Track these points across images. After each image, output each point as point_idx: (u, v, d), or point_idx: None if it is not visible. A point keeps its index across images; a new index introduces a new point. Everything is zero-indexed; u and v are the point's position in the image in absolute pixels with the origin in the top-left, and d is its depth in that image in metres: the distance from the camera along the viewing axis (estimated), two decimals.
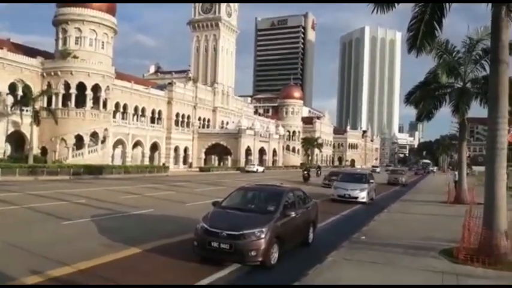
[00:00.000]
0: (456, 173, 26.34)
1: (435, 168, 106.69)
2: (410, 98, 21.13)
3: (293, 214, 9.23)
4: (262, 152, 79.99)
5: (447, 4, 9.24)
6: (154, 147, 63.65)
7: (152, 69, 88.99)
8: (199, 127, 72.39)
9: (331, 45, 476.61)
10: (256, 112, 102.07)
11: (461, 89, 20.33)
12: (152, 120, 63.00)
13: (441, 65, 19.13)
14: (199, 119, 73.41)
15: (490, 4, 8.57)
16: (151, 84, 67.88)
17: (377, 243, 10.18)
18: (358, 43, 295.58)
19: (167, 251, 9.27)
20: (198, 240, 8.34)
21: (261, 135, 78.19)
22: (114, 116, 53.70)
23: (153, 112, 62.79)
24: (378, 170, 76.50)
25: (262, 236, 8.00)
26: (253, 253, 7.87)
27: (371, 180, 23.64)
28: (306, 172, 39.21)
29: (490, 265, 7.98)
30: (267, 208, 9.24)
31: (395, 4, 9.30)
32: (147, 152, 61.32)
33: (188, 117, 70.16)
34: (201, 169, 60.90)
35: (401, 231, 12.22)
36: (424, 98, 20.68)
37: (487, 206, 8.77)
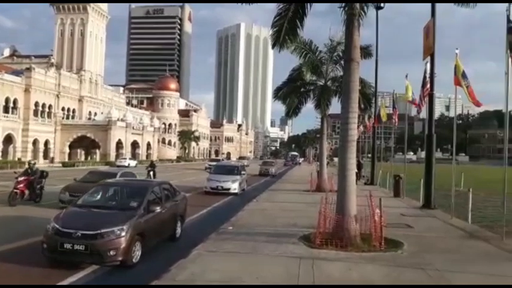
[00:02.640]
0: (318, 163, 28.56)
1: (302, 159, 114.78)
2: (278, 94, 22.23)
3: (159, 209, 8.90)
4: (135, 145, 76.76)
5: (308, 5, 9.78)
6: (9, 140, 56.47)
7: (7, 52, 78.73)
8: (63, 118, 66.27)
9: (208, 39, 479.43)
10: (129, 103, 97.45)
11: (323, 87, 22.00)
12: (6, 110, 55.67)
13: (306, 63, 20.42)
14: (63, 109, 67.26)
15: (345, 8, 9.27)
16: (5, 69, 59.92)
17: (243, 233, 10.40)
18: (234, 39, 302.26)
19: (12, 257, 8.16)
20: (47, 242, 7.50)
21: (133, 127, 74.94)
22: None
23: (6, 100, 55.49)
24: (245, 162, 75.92)
25: (123, 234, 7.52)
26: (112, 252, 7.35)
27: (243, 172, 24.35)
28: (150, 169, 28.75)
29: (342, 247, 8.70)
30: (130, 204, 8.74)
31: None
32: None
33: (50, 107, 63.78)
34: (65, 164, 55.70)
35: (267, 220, 12.71)
36: (290, 93, 21.93)
37: (339, 193, 9.56)
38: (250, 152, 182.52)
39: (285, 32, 9.65)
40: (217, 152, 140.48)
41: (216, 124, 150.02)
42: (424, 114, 21.95)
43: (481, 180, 30.51)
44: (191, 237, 10.35)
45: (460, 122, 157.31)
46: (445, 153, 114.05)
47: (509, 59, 9.39)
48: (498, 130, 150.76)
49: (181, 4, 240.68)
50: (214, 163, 44.36)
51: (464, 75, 12.08)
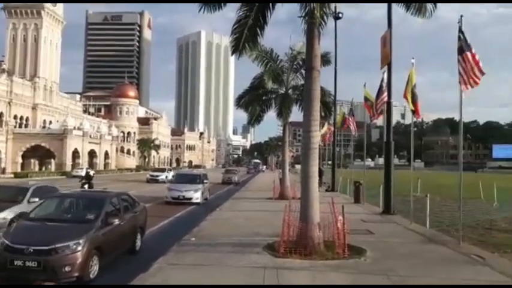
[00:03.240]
0: (281, 170, 28.69)
1: (264, 167, 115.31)
2: (240, 102, 22.20)
3: (117, 221, 8.55)
4: (92, 154, 74.35)
5: (269, 13, 9.80)
6: None
7: None
8: (15, 126, 63.27)
9: (169, 46, 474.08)
10: (86, 111, 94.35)
11: (284, 95, 22.17)
12: None
13: (267, 72, 20.51)
14: (16, 117, 64.22)
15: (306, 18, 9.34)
16: None
17: (206, 244, 10.18)
18: (194, 46, 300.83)
19: None
20: None
21: (91, 136, 72.61)
22: None
23: None
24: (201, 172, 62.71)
25: (79, 248, 7.15)
26: (67, 269, 6.96)
27: (205, 181, 24.02)
28: (84, 181, 24.36)
29: (306, 256, 8.68)
30: (86, 217, 8.34)
31: (222, 6, 9.50)
32: None
33: (1, 115, 60.74)
34: (17, 175, 53.02)
35: (231, 230, 12.53)
36: (252, 102, 21.96)
37: (302, 200, 9.56)
38: (212, 160, 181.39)
39: (245, 39, 9.61)
40: (178, 161, 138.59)
41: (177, 132, 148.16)
42: (380, 122, 22.54)
43: (436, 185, 31.67)
44: (152, 250, 10.02)
45: (415, 129, 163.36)
46: (401, 160, 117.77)
47: (461, 69, 9.74)
48: (450, 137, 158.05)
49: (140, 11, 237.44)
50: (156, 174, 44.61)
51: (413, 87, 12.61)
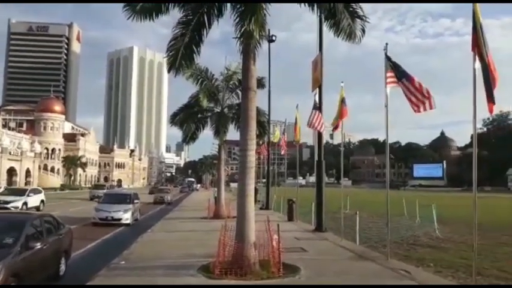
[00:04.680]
0: (216, 189, 28.46)
1: (199, 185, 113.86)
2: (174, 119, 21.86)
3: (39, 245, 7.90)
4: (12, 172, 68.91)
5: (205, 32, 9.82)
6: None
7: None
8: None
9: (99, 61, 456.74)
10: (6, 125, 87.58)
11: (220, 113, 22.21)
12: None
13: (202, 90, 20.46)
14: None
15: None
16: None
17: (138, 267, 9.73)
18: (126, 62, 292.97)
19: None
20: None
21: (10, 152, 67.43)
22: None
23: None
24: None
25: None
26: None
27: (136, 201, 23.14)
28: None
29: (241, 276, 8.57)
30: (4, 241, 7.61)
31: (155, 17, 9.46)
32: None
33: None
34: None
35: (164, 251, 12.10)
36: (187, 119, 21.71)
37: (238, 219, 9.50)
38: (143, 178, 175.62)
39: (182, 57, 9.53)
40: (106, 179, 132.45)
41: (106, 149, 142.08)
42: (311, 141, 23.26)
43: (363, 202, 33.16)
44: (77, 275, 9.40)
45: (344, 149, 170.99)
46: (330, 178, 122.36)
47: (387, 93, 10.34)
48: (375, 156, 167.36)
49: (69, 23, 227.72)
50: (102, 191, 40.73)
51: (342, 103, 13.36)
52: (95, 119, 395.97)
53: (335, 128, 13.98)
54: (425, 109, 9.27)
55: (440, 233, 16.74)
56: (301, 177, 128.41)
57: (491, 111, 7.01)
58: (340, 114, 13.50)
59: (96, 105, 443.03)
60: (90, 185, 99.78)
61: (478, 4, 7.18)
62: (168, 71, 9.74)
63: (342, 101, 13.49)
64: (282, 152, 25.14)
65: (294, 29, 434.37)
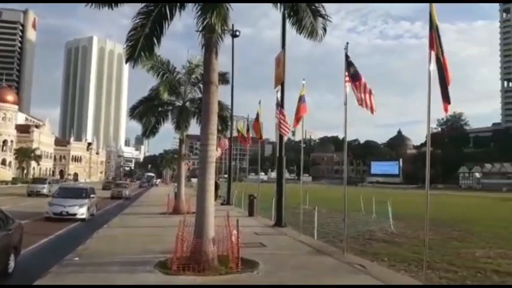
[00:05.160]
0: (176, 184, 28.10)
1: (159, 180, 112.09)
2: (134, 112, 21.36)
3: None
4: None
5: (166, 23, 9.61)
6: None
7: None
8: None
9: (57, 50, 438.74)
10: None
11: (182, 107, 21.90)
12: None
13: (163, 83, 20.08)
14: None
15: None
16: None
17: (92, 263, 9.44)
18: (85, 52, 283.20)
19: None
20: None
21: None
22: None
23: None
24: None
25: None
26: None
27: (92, 195, 22.48)
28: None
29: (199, 272, 8.50)
30: None
31: (114, 6, 9.17)
32: None
33: None
34: None
35: (121, 247, 11.82)
36: (147, 113, 21.27)
37: (197, 214, 9.41)
38: (101, 172, 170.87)
39: (141, 47, 9.28)
40: (62, 173, 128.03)
41: (62, 142, 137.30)
42: (273, 138, 23.44)
43: (322, 198, 33.79)
44: (28, 272, 9.02)
45: (304, 145, 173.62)
46: (291, 174, 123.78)
47: (347, 92, 10.57)
48: (335, 153, 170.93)
49: (24, 9, 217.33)
50: (42, 186, 39.37)
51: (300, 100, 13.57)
52: (51, 111, 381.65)
53: (295, 124, 14.15)
54: (367, 108, 9.87)
55: (395, 228, 17.31)
56: (263, 173, 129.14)
57: (446, 110, 7.29)
58: (299, 111, 13.65)
59: (52, 96, 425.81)
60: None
61: (434, 5, 7.43)
62: (126, 62, 9.48)
63: (301, 99, 13.62)
64: (249, 144, 25.05)
65: (261, 25, 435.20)
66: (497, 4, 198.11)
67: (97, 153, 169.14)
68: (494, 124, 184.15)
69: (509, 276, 9.30)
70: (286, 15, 10.81)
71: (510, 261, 11.10)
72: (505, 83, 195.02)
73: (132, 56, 9.35)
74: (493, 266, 10.34)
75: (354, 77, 10.08)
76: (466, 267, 10.12)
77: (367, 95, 9.79)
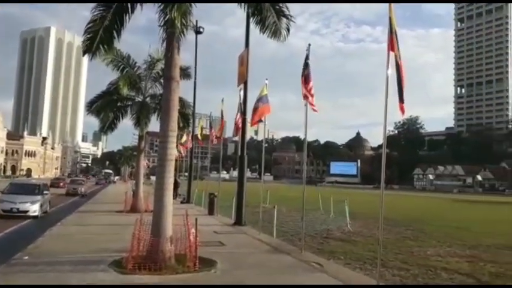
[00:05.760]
0: (135, 182, 27.51)
1: (117, 177, 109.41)
2: (92, 107, 20.71)
3: None
4: None
5: (127, 17, 9.37)
6: None
7: None
8: None
9: (12, 40, 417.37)
10: None
11: (142, 103, 21.45)
12: None
13: (123, 78, 19.59)
14: None
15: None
16: None
17: (43, 263, 9.05)
18: (42, 42, 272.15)
19: None
20: None
21: None
22: None
23: None
24: None
25: None
26: None
27: (45, 192, 21.59)
28: None
29: (156, 271, 8.35)
30: None
31: None
32: None
33: None
34: None
35: (74, 246, 11.42)
36: (106, 107, 20.67)
37: (155, 213, 9.24)
38: (56, 168, 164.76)
39: (100, 40, 9.00)
40: (14, 168, 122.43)
41: (14, 136, 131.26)
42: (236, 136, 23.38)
43: (283, 197, 34.14)
44: None
45: (266, 145, 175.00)
46: (253, 173, 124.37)
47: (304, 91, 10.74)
48: (296, 153, 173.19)
49: None
50: None
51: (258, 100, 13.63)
52: (3, 102, 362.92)
53: (254, 123, 14.18)
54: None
55: (351, 227, 17.72)
56: (225, 172, 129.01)
57: (402, 110, 7.51)
58: (262, 111, 13.67)
59: (5, 88, 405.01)
60: None
61: (393, 9, 7.64)
62: (84, 54, 9.16)
63: (260, 99, 13.61)
64: (215, 141, 24.73)
65: (226, 23, 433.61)
66: (453, 13, 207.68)
67: (52, 149, 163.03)
68: (447, 128, 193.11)
69: (457, 273, 9.72)
70: (250, 14, 10.80)
71: (459, 259, 11.61)
72: (458, 89, 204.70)
73: (90, 49, 9.05)
74: (443, 264, 10.78)
75: (306, 78, 10.50)
76: (418, 265, 10.49)
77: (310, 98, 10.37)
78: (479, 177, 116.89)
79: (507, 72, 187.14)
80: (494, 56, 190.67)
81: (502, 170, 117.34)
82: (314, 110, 10.63)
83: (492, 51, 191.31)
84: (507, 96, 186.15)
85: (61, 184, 49.44)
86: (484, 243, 14.77)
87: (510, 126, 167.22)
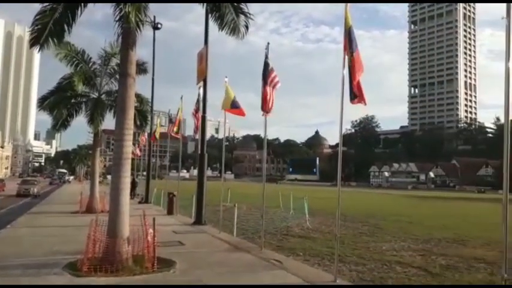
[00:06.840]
0: (90, 181, 26.64)
1: (72, 177, 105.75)
2: (44, 103, 19.84)
3: None
4: None
5: (80, 11, 9.04)
6: None
7: None
8: None
9: None
10: None
11: (97, 100, 20.80)
12: None
13: (77, 73, 18.94)
14: None
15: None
16: None
17: None
18: None
19: None
20: None
21: None
22: None
23: None
24: None
25: None
26: None
27: None
28: None
29: (112, 273, 8.13)
30: None
31: None
32: None
33: None
34: None
35: (25, 249, 10.91)
36: (59, 104, 19.87)
37: (111, 213, 8.98)
38: (6, 168, 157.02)
39: (49, 33, 8.62)
40: None
41: None
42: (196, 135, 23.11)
43: (244, 195, 34.17)
44: None
45: (227, 143, 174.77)
46: (214, 171, 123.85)
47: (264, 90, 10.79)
48: (257, 152, 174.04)
49: None
50: None
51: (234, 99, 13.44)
52: None
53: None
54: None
55: (310, 224, 17.98)
56: (185, 170, 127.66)
57: (354, 103, 7.68)
58: (237, 114, 13.50)
59: None
60: None
61: (348, 9, 7.82)
62: (31, 46, 8.72)
63: (233, 102, 13.41)
64: (173, 135, 24.19)
65: (186, 19, 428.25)
66: (407, 15, 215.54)
67: (2, 147, 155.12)
68: (402, 127, 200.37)
69: (410, 266, 10.07)
70: (209, 11, 10.71)
71: (412, 253, 12.05)
72: (412, 89, 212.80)
73: (37, 41, 8.65)
74: (397, 258, 11.14)
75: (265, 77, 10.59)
76: (374, 259, 10.79)
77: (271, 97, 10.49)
78: (431, 174, 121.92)
79: (457, 73, 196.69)
80: (445, 57, 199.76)
81: (452, 166, 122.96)
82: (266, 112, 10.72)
83: (443, 53, 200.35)
84: (457, 97, 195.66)
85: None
86: (435, 237, 15.41)
87: (460, 125, 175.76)
